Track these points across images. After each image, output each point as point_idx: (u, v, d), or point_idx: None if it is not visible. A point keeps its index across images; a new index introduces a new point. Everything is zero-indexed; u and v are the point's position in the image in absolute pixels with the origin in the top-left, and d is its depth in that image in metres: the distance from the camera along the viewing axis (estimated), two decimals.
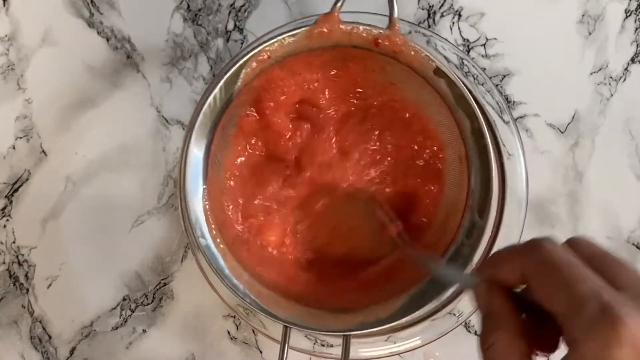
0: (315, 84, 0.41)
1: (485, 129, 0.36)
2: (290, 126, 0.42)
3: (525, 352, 0.24)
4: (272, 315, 0.36)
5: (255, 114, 0.41)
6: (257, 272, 0.39)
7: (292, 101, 0.41)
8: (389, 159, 0.42)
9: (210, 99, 0.36)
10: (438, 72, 0.36)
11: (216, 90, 0.36)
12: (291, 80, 0.40)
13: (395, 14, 0.36)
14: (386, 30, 0.36)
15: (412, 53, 0.36)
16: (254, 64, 0.37)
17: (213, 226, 0.38)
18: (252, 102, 0.40)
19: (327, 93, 0.42)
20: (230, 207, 0.41)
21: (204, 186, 0.38)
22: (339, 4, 0.36)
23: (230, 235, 0.40)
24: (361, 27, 0.36)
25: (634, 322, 0.20)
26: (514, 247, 0.25)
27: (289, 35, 0.36)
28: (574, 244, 0.24)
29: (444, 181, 0.40)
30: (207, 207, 0.38)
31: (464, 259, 0.36)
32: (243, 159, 0.41)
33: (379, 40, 0.36)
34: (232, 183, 0.41)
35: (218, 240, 0.38)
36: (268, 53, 0.36)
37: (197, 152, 0.37)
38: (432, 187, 0.41)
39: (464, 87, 0.36)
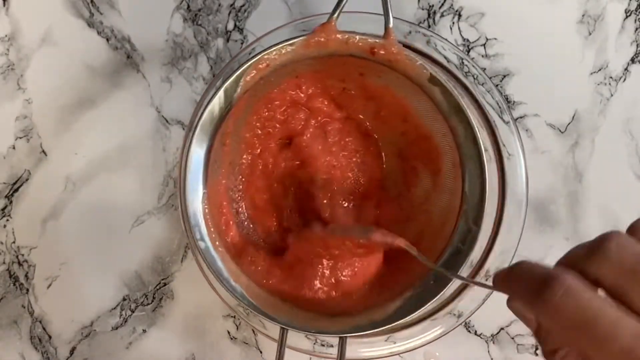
0: (310, 90, 0.42)
1: (479, 136, 0.36)
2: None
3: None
4: (269, 317, 0.37)
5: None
6: (254, 276, 0.40)
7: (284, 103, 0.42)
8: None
9: (211, 105, 0.37)
10: (432, 80, 0.36)
11: (217, 97, 0.37)
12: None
13: (391, 24, 0.36)
14: (382, 39, 0.36)
15: (407, 62, 0.36)
16: (254, 72, 0.37)
17: (212, 229, 0.38)
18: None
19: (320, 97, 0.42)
20: (230, 211, 0.41)
21: (204, 190, 0.38)
22: (336, 15, 0.36)
23: (229, 238, 0.40)
24: (357, 37, 0.36)
25: None
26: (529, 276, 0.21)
27: (287, 44, 0.37)
28: (618, 247, 0.20)
29: (440, 186, 0.40)
30: (207, 210, 0.38)
31: (458, 265, 0.37)
32: (242, 166, 0.42)
33: (375, 50, 0.36)
34: (231, 190, 0.42)
35: (217, 243, 0.38)
36: (267, 62, 0.37)
37: (197, 158, 0.38)
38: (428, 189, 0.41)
39: (458, 95, 0.36)
